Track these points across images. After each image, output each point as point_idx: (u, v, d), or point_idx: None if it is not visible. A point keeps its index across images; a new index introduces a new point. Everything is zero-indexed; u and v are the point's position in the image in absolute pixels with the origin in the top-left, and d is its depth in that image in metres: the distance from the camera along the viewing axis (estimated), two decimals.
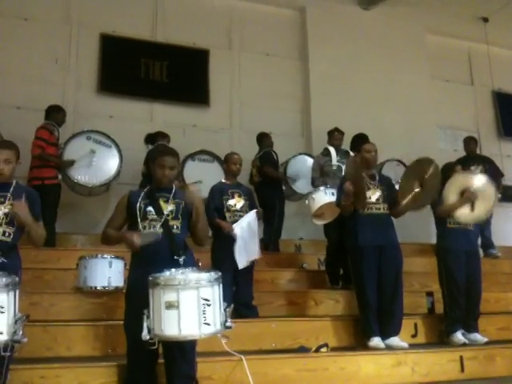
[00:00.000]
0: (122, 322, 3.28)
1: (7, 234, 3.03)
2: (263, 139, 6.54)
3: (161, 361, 3.12)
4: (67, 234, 6.00)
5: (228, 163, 4.77)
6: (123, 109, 7.04)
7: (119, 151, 5.99)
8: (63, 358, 3.63)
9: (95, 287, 4.36)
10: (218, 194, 4.60)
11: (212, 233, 4.70)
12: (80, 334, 3.85)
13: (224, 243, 4.45)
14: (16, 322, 2.70)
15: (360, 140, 4.77)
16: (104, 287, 4.36)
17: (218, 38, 7.77)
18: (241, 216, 4.55)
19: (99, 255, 4.46)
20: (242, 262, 4.38)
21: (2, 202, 3.07)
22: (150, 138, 6.25)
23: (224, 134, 7.45)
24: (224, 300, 2.93)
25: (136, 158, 6.09)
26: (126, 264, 4.36)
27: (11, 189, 3.12)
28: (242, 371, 3.48)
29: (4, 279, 2.72)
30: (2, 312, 2.64)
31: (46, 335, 3.73)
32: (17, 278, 2.82)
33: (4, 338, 2.65)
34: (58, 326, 3.88)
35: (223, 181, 4.78)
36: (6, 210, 3.06)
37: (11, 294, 2.73)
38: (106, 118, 6.87)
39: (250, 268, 4.50)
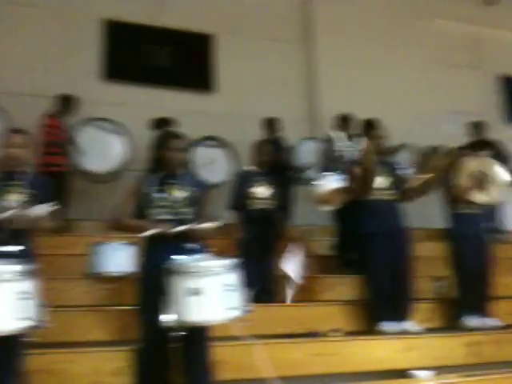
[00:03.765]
0: (134, 307, 3.29)
1: None
2: (270, 124, 6.50)
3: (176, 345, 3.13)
4: (77, 220, 6.00)
5: (256, 152, 4.81)
6: (128, 95, 6.99)
7: (126, 138, 5.98)
8: (76, 343, 3.65)
9: (106, 273, 4.39)
10: (243, 182, 4.62)
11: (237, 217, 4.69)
12: (92, 319, 3.87)
13: (251, 227, 4.45)
14: (40, 307, 2.73)
15: (370, 125, 4.75)
16: (115, 273, 4.39)
17: (222, 22, 7.67)
18: (265, 204, 4.57)
19: (110, 241, 4.48)
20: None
21: (15, 192, 3.09)
22: (156, 124, 6.25)
23: (229, 120, 7.37)
24: (244, 284, 2.95)
25: (142, 144, 6.04)
26: (136, 250, 4.38)
27: (23, 176, 3.14)
28: (255, 355, 3.49)
29: (28, 266, 2.74)
30: (28, 298, 2.65)
31: (58, 320, 3.64)
32: (37, 265, 2.83)
33: (27, 324, 2.66)
34: (70, 311, 3.89)
35: (248, 168, 4.81)
36: (20, 199, 3.08)
37: (34, 280, 2.74)
38: (110, 105, 6.79)
39: (269, 253, 4.51)
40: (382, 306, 4.24)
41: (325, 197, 4.86)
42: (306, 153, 6.57)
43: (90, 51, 7.01)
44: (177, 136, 3.36)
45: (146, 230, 3.07)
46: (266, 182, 4.71)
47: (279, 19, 7.94)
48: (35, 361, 3.18)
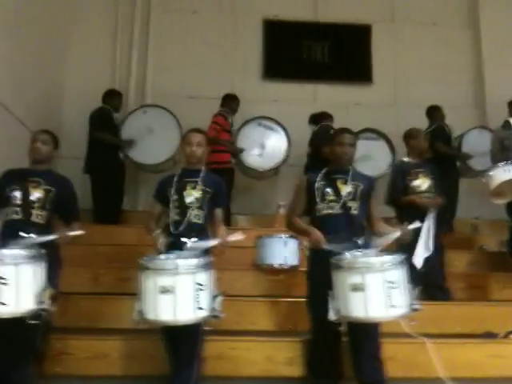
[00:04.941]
0: (301, 299, 3.37)
1: (198, 216, 3.25)
2: (434, 112, 6.17)
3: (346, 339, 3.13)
4: (239, 214, 6.28)
5: (411, 139, 4.58)
6: (287, 92, 7.11)
7: (287, 135, 6.13)
8: (249, 332, 3.84)
9: (272, 265, 4.52)
10: (401, 174, 4.45)
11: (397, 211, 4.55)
12: (262, 309, 4.04)
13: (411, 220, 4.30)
14: (214, 298, 2.87)
15: None
16: (280, 265, 4.51)
17: (381, 10, 7.47)
18: (428, 198, 4.37)
19: (274, 235, 4.62)
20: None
21: (194, 188, 3.28)
22: (314, 119, 6.31)
23: (389, 110, 7.17)
24: (410, 282, 2.86)
25: (301, 140, 6.18)
26: (299, 243, 4.47)
27: (201, 174, 3.34)
28: (425, 354, 3.38)
29: (204, 259, 2.91)
30: (202, 289, 2.80)
31: (232, 309, 3.84)
32: (212, 258, 3.00)
33: (205, 313, 2.82)
34: (239, 301, 4.05)
35: (405, 159, 4.63)
36: (198, 195, 3.27)
37: (209, 272, 2.90)
38: (271, 103, 6.99)
39: (439, 249, 4.31)
40: None
41: (499, 188, 4.50)
42: (474, 141, 6.15)
43: (251, 51, 7.26)
44: (347, 130, 3.35)
45: (309, 235, 3.16)
46: (424, 174, 4.46)
47: (442, 2, 7.51)
48: (211, 347, 3.39)
